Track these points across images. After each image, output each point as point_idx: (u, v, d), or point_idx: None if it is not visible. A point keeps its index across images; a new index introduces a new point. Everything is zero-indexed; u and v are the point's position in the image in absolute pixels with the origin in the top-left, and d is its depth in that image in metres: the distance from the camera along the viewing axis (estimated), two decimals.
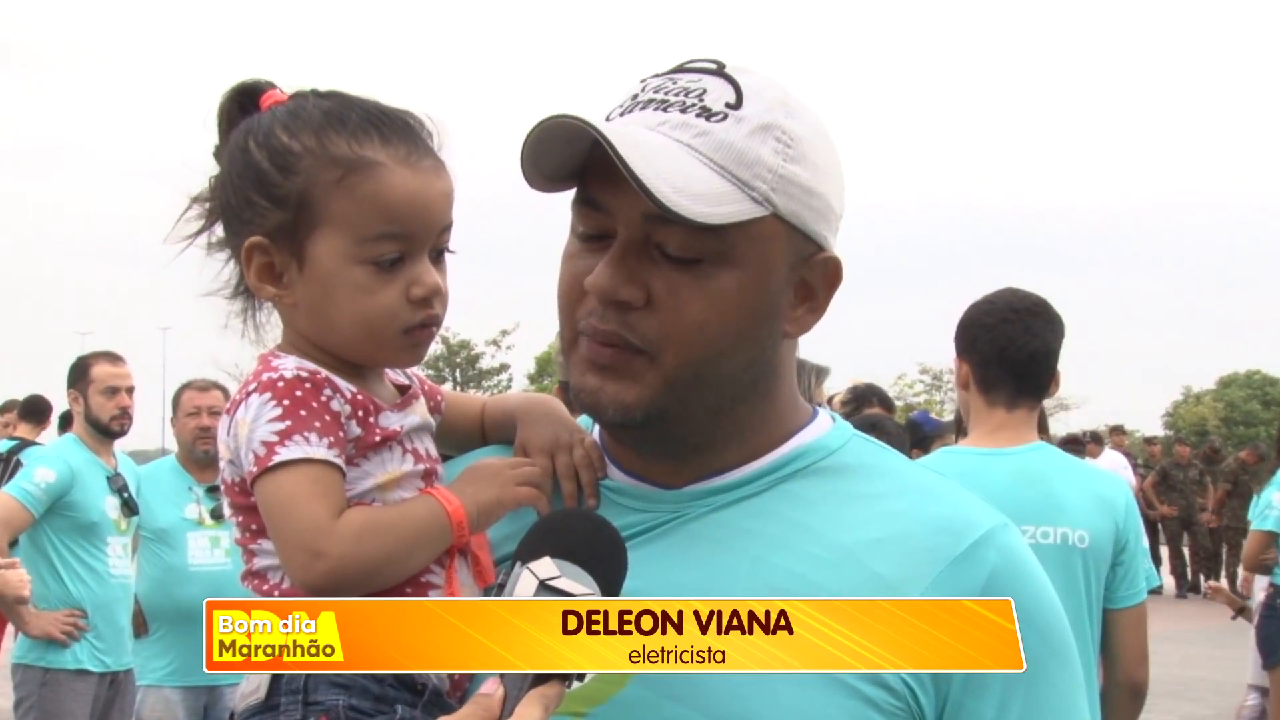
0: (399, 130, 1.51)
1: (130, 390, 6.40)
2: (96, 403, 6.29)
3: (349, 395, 1.49)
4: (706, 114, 1.42)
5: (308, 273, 1.50)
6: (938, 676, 1.37)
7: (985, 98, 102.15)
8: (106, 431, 6.31)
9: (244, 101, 1.57)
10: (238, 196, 1.53)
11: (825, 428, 1.55)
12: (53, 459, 6.23)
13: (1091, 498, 3.77)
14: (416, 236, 1.49)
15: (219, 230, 1.59)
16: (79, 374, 6.39)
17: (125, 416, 6.35)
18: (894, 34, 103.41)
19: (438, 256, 1.54)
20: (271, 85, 1.57)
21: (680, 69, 1.48)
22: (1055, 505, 3.72)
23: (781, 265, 1.45)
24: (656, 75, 1.49)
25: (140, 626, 6.31)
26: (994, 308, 3.85)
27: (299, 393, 1.46)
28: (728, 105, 1.42)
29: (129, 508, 6.26)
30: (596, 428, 1.59)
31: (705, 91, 1.43)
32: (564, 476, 1.54)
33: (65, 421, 8.11)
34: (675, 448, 1.48)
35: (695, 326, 1.41)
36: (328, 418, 1.45)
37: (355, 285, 1.49)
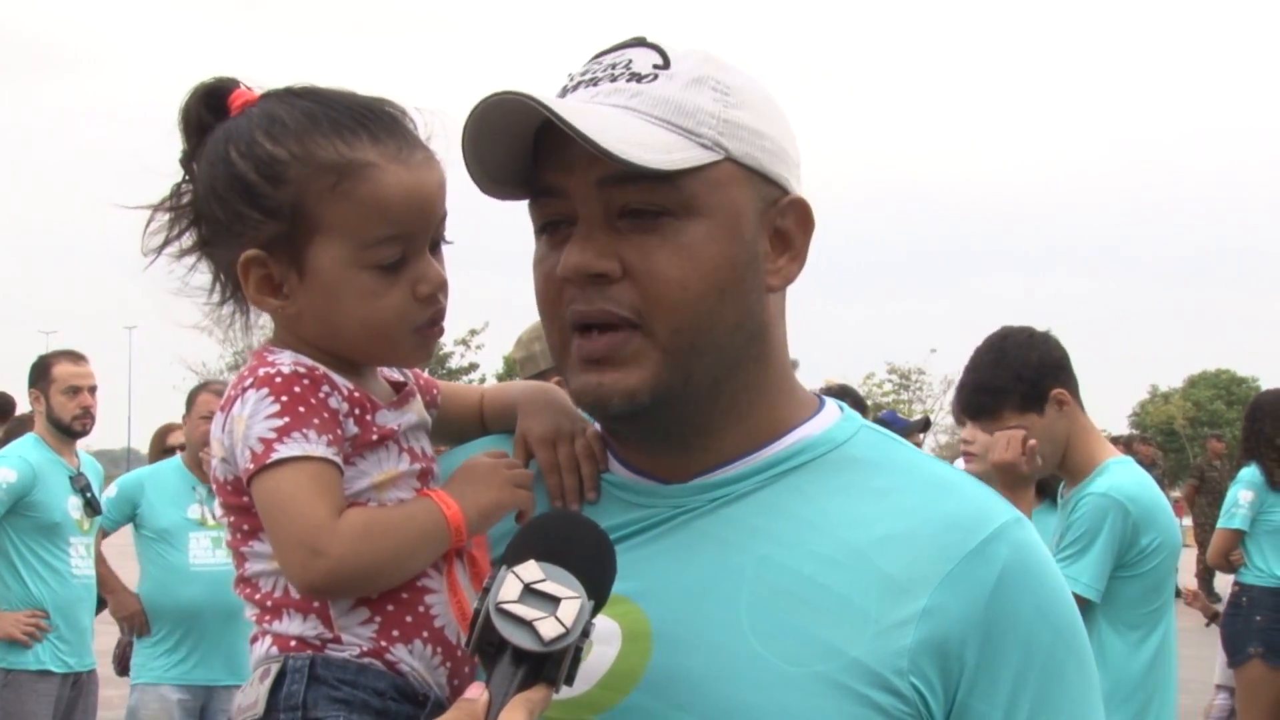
0: (386, 126, 1.46)
1: (93, 389, 6.35)
2: (58, 402, 6.24)
3: (346, 392, 1.45)
4: (636, 78, 1.42)
5: (309, 282, 1.46)
6: (946, 680, 1.34)
7: (960, 98, 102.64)
8: (68, 431, 6.27)
9: (211, 103, 1.49)
10: (225, 209, 1.46)
11: (833, 419, 1.51)
12: (13, 459, 6.17)
13: None
14: (417, 234, 1.45)
15: (188, 238, 1.52)
16: (40, 373, 6.33)
17: (87, 416, 6.31)
18: (877, 36, 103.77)
19: (435, 247, 1.50)
20: (237, 84, 1.50)
21: (602, 53, 1.47)
22: None
23: (748, 211, 1.42)
24: (581, 66, 1.48)
25: (143, 626, 6.26)
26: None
27: (297, 389, 1.42)
28: (655, 67, 1.42)
29: (92, 508, 6.21)
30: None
31: (630, 61, 1.43)
32: (565, 469, 1.50)
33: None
34: (679, 431, 1.44)
35: (677, 285, 1.38)
36: (326, 415, 1.42)
37: (361, 290, 1.44)
